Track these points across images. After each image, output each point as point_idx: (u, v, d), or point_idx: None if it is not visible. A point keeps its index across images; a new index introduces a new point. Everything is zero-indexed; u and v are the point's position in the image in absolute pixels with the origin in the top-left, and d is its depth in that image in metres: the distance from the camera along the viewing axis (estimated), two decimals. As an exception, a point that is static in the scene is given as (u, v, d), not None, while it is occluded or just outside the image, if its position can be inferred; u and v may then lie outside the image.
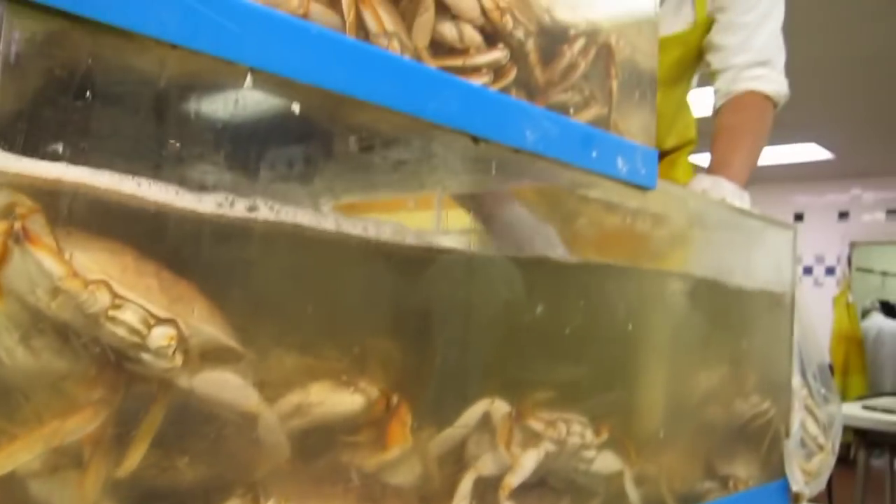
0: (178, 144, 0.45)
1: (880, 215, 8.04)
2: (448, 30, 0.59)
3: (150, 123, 0.45)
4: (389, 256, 0.59)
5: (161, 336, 0.42)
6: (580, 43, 0.70)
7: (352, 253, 0.57)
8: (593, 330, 0.78)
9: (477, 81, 0.60)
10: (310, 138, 0.55)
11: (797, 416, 1.16)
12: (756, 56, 1.41)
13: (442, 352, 0.68)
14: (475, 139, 0.58)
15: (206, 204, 0.45)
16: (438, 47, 0.60)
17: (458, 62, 0.59)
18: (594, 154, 0.69)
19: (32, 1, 0.37)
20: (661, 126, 1.73)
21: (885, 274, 8.68)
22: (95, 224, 0.44)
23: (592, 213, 0.80)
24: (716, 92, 1.47)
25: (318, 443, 0.57)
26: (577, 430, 0.79)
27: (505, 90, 0.64)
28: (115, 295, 0.41)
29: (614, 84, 0.73)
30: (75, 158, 0.42)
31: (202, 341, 0.43)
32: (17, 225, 0.40)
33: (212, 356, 0.44)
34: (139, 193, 0.42)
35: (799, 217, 8.49)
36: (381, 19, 0.53)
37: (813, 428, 1.27)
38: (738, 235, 1.06)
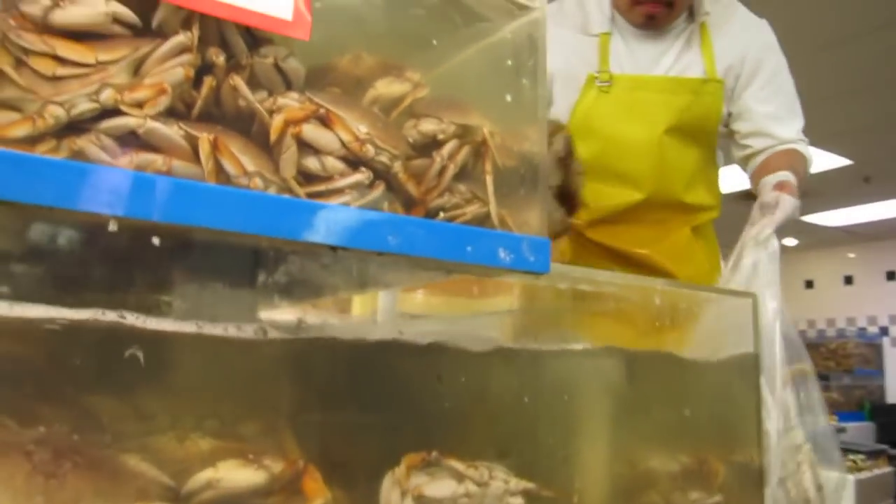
0: (63, 274, 0.61)
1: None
2: (311, 163, 0.73)
3: (44, 262, 0.61)
4: (279, 349, 0.73)
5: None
6: (449, 147, 0.81)
7: (243, 351, 0.71)
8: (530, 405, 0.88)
9: (339, 201, 0.73)
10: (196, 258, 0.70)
11: (776, 467, 1.19)
12: (793, 133, 1.65)
13: (345, 420, 0.80)
14: (333, 248, 0.71)
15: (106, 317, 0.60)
16: (309, 175, 0.74)
17: (321, 187, 0.73)
18: (469, 249, 0.80)
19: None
20: (677, 179, 1.78)
21: None
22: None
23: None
24: (756, 154, 1.67)
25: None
26: (500, 475, 0.88)
27: (376, 203, 0.76)
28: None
29: (489, 180, 0.83)
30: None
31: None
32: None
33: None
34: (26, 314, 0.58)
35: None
36: (240, 162, 0.68)
37: (808, 483, 1.28)
38: (696, 308, 1.13)
